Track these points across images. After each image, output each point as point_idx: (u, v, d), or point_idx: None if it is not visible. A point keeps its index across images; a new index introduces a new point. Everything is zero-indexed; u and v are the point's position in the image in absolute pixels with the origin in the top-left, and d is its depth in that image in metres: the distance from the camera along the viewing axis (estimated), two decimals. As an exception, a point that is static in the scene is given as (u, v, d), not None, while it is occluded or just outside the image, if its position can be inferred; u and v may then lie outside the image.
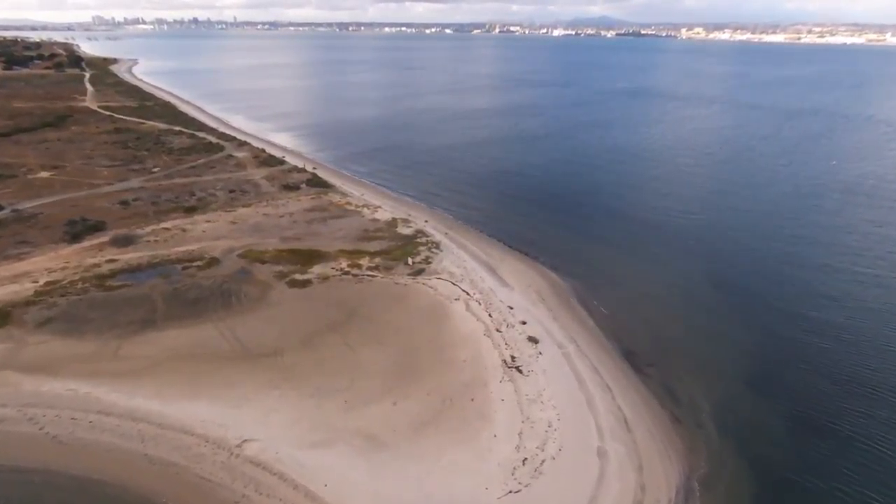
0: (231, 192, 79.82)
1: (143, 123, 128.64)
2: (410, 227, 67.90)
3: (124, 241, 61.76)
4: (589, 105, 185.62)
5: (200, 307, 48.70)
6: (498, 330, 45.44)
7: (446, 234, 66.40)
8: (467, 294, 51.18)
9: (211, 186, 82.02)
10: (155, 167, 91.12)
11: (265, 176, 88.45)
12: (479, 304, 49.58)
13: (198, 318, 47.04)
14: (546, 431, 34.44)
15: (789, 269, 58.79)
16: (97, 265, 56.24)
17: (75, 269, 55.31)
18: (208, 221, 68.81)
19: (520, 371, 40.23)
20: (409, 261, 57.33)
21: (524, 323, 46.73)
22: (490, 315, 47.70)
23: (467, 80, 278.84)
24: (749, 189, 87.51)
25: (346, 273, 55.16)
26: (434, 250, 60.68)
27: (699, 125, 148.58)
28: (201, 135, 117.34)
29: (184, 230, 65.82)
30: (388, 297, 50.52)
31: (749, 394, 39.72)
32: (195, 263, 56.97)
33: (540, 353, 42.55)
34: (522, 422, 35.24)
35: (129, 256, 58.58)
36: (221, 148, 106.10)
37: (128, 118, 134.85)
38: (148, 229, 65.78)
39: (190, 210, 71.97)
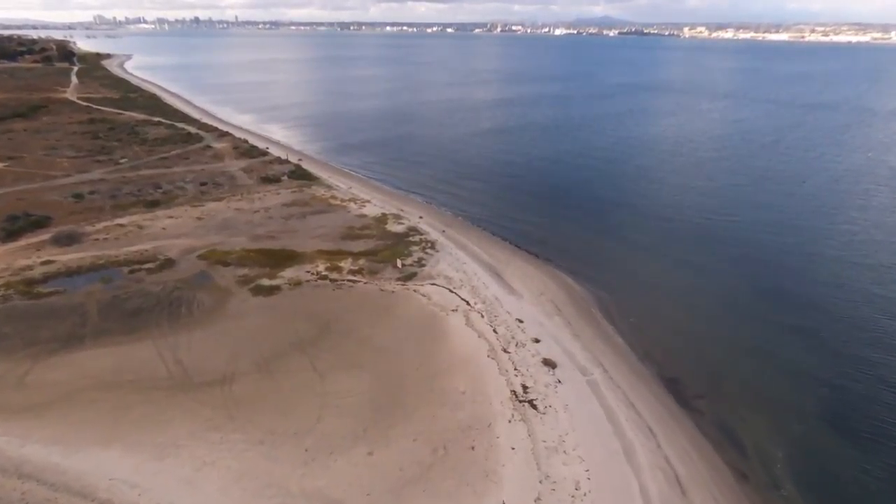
0: (202, 184, 71.00)
1: (121, 114, 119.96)
2: (402, 223, 58.96)
3: (67, 240, 52.93)
4: (601, 98, 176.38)
5: (141, 320, 39.85)
6: (505, 350, 36.47)
7: (443, 231, 57.44)
8: (467, 304, 42.23)
9: (180, 178, 73.19)
10: (122, 158, 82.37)
11: (243, 167, 79.60)
12: (482, 316, 40.61)
13: (135, 333, 38.21)
14: (573, 497, 25.44)
15: (850, 274, 49.66)
16: (29, 267, 47.44)
17: (1, 272, 46.50)
18: (171, 217, 60.00)
19: (534, 407, 31.25)
20: (399, 263, 48.44)
21: (537, 341, 37.74)
22: (495, 330, 38.74)
23: (471, 75, 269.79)
24: (784, 182, 78.34)
25: (323, 278, 46.27)
26: (429, 251, 51.76)
27: (718, 118, 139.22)
28: (181, 125, 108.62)
29: (140, 227, 57.01)
30: (370, 307, 41.58)
31: (833, 436, 30.69)
32: (146, 266, 48.18)
33: (559, 382, 33.56)
34: (540, 482, 26.24)
35: (69, 257, 49.74)
36: (200, 138, 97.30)
37: (106, 109, 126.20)
38: (99, 226, 56.99)
39: (152, 204, 63.16)
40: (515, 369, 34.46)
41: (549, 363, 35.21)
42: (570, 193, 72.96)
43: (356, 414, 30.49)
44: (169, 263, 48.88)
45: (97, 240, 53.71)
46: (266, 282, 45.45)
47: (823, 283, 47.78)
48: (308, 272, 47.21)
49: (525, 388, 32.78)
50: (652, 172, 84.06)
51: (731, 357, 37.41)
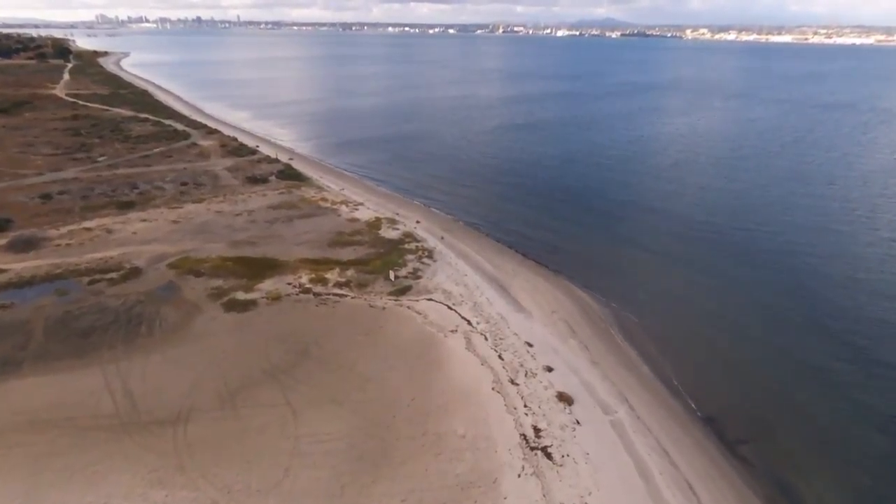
0: (183, 184, 65.78)
1: (108, 110, 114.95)
2: (397, 229, 53.63)
3: (25, 245, 47.74)
4: (609, 97, 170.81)
5: (93, 341, 34.59)
6: (513, 381, 31.10)
7: (442, 238, 52.09)
8: (468, 323, 36.88)
9: (160, 178, 67.97)
10: (101, 156, 77.22)
11: (229, 166, 74.33)
12: (486, 338, 35.26)
13: (83, 357, 32.97)
14: (602, 585, 20.04)
15: (898, 289, 44.15)
16: (-24, 277, 42.21)
17: (-56, 282, 41.29)
18: (144, 220, 54.77)
19: (549, 456, 25.86)
20: (392, 275, 43.08)
21: (550, 370, 32.38)
22: (501, 356, 33.38)
23: (475, 73, 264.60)
24: (811, 185, 72.74)
25: (306, 291, 40.96)
26: (425, 260, 46.42)
27: (733, 117, 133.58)
28: (168, 122, 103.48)
29: (109, 231, 51.79)
30: (357, 327, 36.24)
31: (913, 497, 25.21)
32: (108, 276, 42.92)
33: (577, 423, 28.16)
34: (560, 562, 20.86)
35: (24, 265, 44.51)
36: (187, 136, 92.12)
37: (93, 105, 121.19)
38: (64, 230, 51.80)
39: (125, 206, 57.95)
40: (525, 406, 29.09)
41: (565, 398, 29.83)
42: (581, 197, 67.52)
43: (333, 464, 25.14)
44: (134, 273, 43.64)
45: (59, 245, 48.47)
46: (241, 295, 40.17)
47: (873, 299, 42.24)
48: (289, 284, 41.93)
49: (537, 430, 27.40)
50: (669, 174, 78.46)
51: (778, 389, 31.96)
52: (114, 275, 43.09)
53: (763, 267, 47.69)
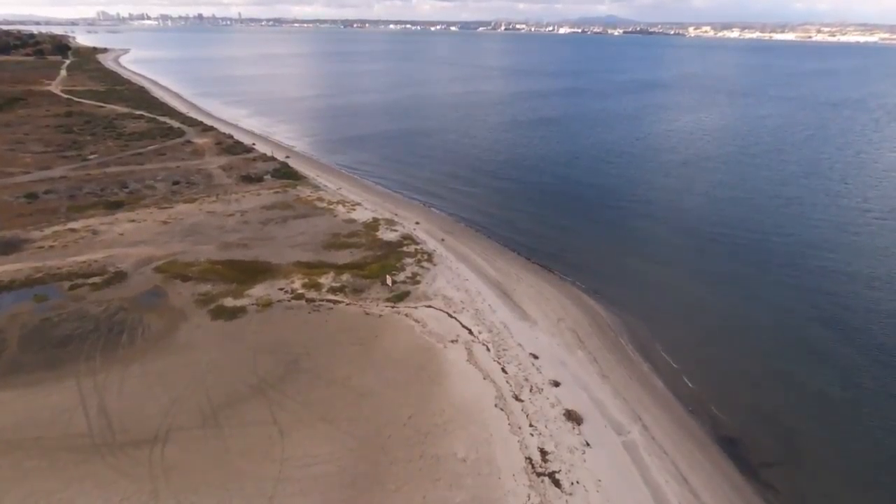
0: (175, 183, 63.67)
1: (103, 107, 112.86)
2: (396, 230, 51.45)
3: (5, 248, 45.68)
4: (615, 94, 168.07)
5: (69, 351, 32.53)
6: (517, 398, 28.93)
7: (443, 240, 49.90)
8: (469, 332, 34.72)
9: (151, 177, 65.86)
10: (92, 154, 75.12)
11: (223, 165, 72.17)
12: (488, 349, 33.09)
13: (58, 369, 30.91)
14: None
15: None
16: (-49, 282, 40.14)
17: (-83, 287, 39.23)
18: (133, 221, 52.70)
19: (557, 483, 23.71)
20: (389, 279, 40.90)
21: (557, 384, 30.20)
22: (504, 370, 31.21)
23: (478, 71, 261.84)
24: (825, 184, 70.31)
25: (299, 297, 38.83)
26: (425, 264, 44.23)
27: (741, 114, 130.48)
28: (163, 119, 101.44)
29: (95, 232, 49.71)
30: (352, 336, 34.10)
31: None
32: (91, 280, 40.89)
33: (587, 445, 25.99)
34: None
35: (3, 269, 42.43)
36: (181, 133, 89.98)
37: (87, 102, 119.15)
38: (48, 231, 49.73)
39: (114, 206, 55.87)
40: (531, 426, 26.93)
41: (574, 417, 27.65)
42: (590, 197, 65.11)
43: (322, 491, 23.05)
44: (119, 277, 41.56)
45: (41, 248, 46.37)
46: (230, 302, 38.06)
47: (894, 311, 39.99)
48: (281, 290, 39.79)
49: (544, 453, 25.24)
50: (679, 173, 75.94)
51: (804, 407, 29.74)
52: (97, 279, 41.04)
53: (781, 272, 45.38)
